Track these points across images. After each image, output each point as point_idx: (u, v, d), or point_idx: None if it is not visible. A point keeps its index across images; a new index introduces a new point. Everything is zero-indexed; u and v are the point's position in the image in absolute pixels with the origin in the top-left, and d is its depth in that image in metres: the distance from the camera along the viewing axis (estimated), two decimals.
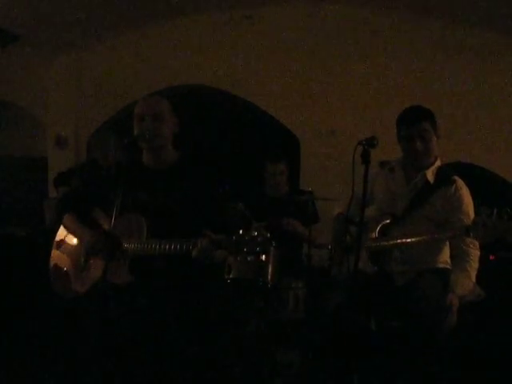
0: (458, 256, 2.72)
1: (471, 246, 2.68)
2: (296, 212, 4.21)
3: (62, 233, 2.68)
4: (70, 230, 2.59)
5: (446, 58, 5.26)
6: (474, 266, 2.68)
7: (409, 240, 2.67)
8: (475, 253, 2.69)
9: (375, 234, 2.86)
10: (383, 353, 2.82)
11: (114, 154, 3.97)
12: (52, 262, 2.67)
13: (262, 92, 5.82)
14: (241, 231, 2.09)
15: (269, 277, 3.84)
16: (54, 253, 2.69)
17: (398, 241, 2.73)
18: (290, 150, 5.46)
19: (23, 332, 4.05)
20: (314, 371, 3.45)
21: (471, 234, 2.40)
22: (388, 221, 2.84)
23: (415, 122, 2.70)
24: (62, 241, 2.67)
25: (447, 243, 2.85)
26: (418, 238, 2.65)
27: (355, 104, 5.46)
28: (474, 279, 2.67)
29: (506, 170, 5.13)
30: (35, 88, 6.49)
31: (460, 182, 2.77)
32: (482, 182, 4.60)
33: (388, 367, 2.79)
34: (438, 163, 2.83)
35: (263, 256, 1.99)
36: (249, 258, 2.18)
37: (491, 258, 4.38)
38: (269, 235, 2.09)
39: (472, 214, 2.65)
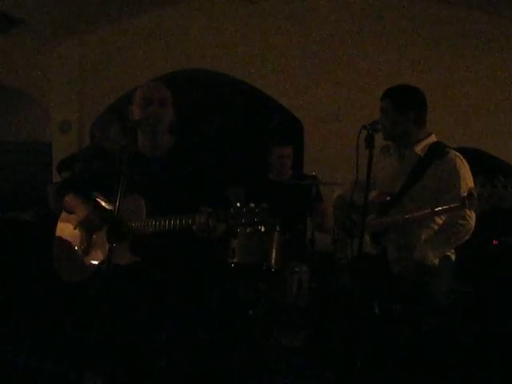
0: (444, 224, 2.74)
1: (460, 220, 2.67)
2: (299, 197, 4.21)
3: (64, 216, 2.69)
4: (71, 209, 2.59)
5: (452, 42, 5.22)
6: (450, 235, 2.70)
7: (406, 216, 2.69)
8: (463, 226, 2.68)
9: (374, 214, 2.88)
10: (386, 336, 2.83)
11: (116, 138, 3.95)
12: (55, 249, 2.68)
13: (264, 76, 5.79)
14: (238, 204, 2.09)
15: (272, 261, 3.87)
16: (57, 239, 2.70)
17: (396, 217, 2.75)
18: (293, 134, 5.45)
19: (27, 316, 4.08)
20: (319, 355, 3.47)
21: (467, 204, 2.39)
22: (387, 199, 2.86)
23: (381, 101, 2.94)
24: (64, 227, 2.67)
25: None
26: (414, 214, 2.66)
27: (360, 88, 5.43)
28: (443, 249, 2.71)
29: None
30: (38, 73, 6.47)
31: (453, 153, 2.76)
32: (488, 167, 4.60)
33: (390, 353, 2.81)
34: (431, 139, 2.84)
35: (262, 227, 1.96)
36: (248, 230, 2.16)
37: (495, 242, 4.39)
38: (266, 205, 2.07)
39: (470, 184, 2.62)
